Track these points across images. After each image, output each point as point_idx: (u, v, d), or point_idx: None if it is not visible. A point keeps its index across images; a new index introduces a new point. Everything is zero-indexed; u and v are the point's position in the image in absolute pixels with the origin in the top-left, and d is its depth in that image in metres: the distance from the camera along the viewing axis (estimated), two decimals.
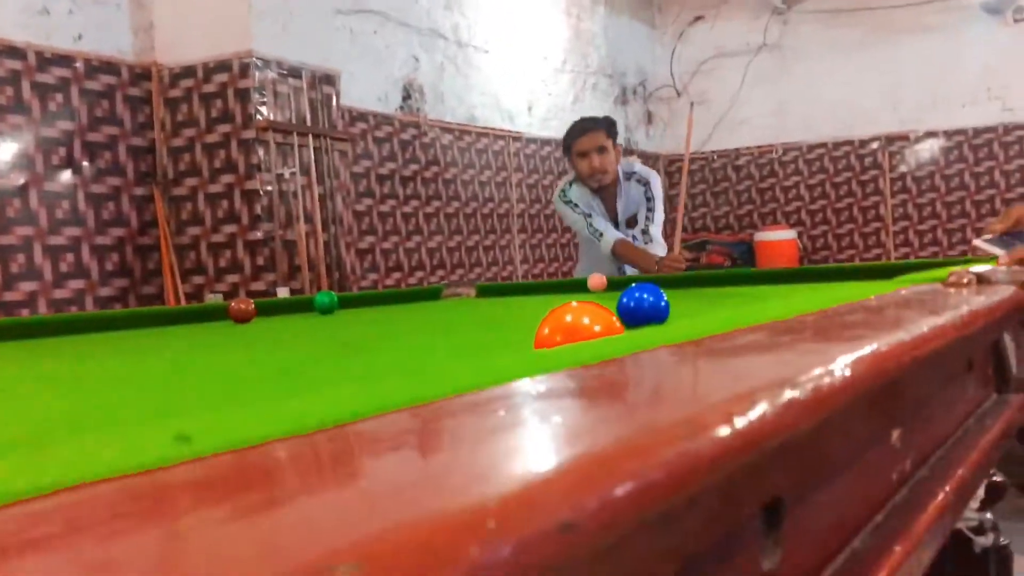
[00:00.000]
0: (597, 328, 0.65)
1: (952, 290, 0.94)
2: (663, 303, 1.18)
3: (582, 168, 3.55)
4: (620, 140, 3.73)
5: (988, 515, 0.98)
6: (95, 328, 2.21)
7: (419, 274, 5.78)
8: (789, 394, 0.37)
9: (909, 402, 0.64)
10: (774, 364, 0.47)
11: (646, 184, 3.64)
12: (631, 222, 3.67)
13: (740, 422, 0.32)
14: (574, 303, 0.67)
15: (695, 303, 1.82)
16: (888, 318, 0.60)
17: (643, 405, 0.38)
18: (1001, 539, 1.01)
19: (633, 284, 1.18)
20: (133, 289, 4.23)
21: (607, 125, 3.55)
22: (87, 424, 0.71)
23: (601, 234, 3.57)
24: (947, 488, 0.64)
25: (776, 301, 0.83)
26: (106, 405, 0.87)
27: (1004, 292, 0.91)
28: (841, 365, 0.41)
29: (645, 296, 1.17)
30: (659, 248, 3.59)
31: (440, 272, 5.95)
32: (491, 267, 6.42)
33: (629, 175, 3.65)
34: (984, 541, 0.99)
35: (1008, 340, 0.98)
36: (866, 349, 0.45)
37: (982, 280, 1.00)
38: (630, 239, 3.60)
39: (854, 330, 0.54)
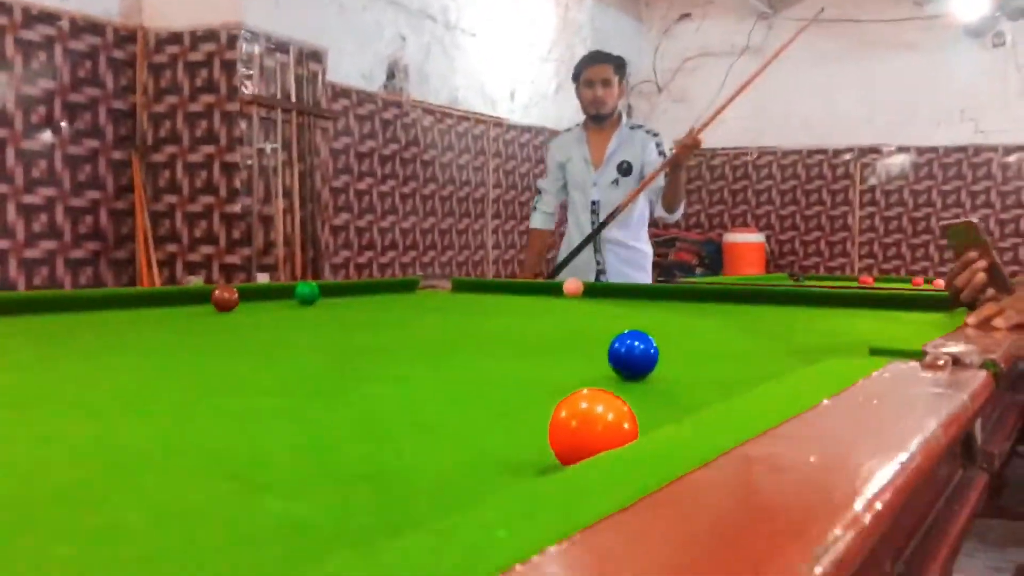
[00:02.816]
0: (626, 426, 0.69)
1: (929, 374, 1.00)
2: (652, 350, 1.23)
3: (585, 95, 3.74)
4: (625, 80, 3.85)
5: None
6: (69, 307, 2.21)
7: (391, 254, 5.79)
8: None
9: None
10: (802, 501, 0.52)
11: (656, 135, 3.77)
12: (625, 170, 3.75)
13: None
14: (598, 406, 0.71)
15: (678, 342, 1.87)
16: (890, 438, 0.65)
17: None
18: None
19: (624, 332, 1.23)
20: (105, 253, 4.20)
21: (617, 62, 3.74)
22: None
23: (535, 208, 3.95)
24: None
25: (768, 388, 0.87)
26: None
27: (979, 380, 0.97)
28: (860, 520, 0.46)
29: (636, 344, 1.22)
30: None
31: (412, 253, 5.97)
32: (463, 251, 6.45)
33: (636, 127, 3.79)
34: None
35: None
36: (878, 495, 0.50)
37: (956, 362, 1.05)
38: (615, 185, 3.74)
39: (857, 456, 0.59)
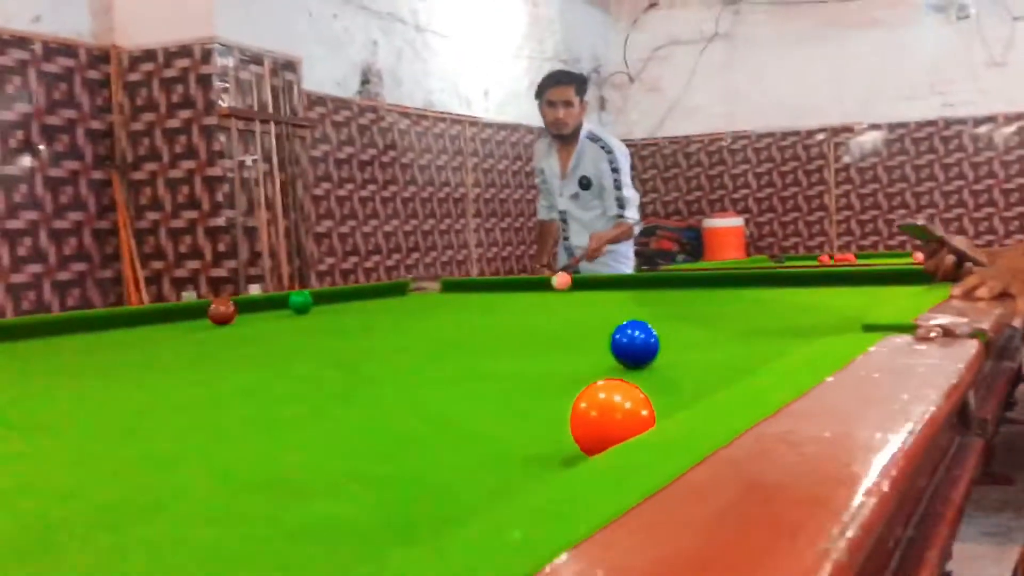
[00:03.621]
0: (644, 413, 0.73)
1: (923, 346, 1.04)
2: (653, 339, 1.26)
3: (546, 115, 3.81)
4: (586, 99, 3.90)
5: None
6: (61, 330, 2.22)
7: (375, 258, 5.81)
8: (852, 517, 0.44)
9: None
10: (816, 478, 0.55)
11: (609, 153, 3.79)
12: (585, 184, 3.83)
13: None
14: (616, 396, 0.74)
15: (672, 330, 1.90)
16: (893, 408, 0.69)
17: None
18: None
19: (624, 323, 1.27)
20: (91, 273, 4.20)
21: (579, 82, 3.82)
22: None
23: (540, 201, 4.08)
24: (934, 551, 0.73)
25: (763, 375, 0.91)
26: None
27: (971, 350, 1.01)
28: (879, 486, 0.49)
29: (636, 334, 1.25)
30: (632, 208, 3.80)
31: (396, 256, 5.98)
32: (446, 251, 6.47)
33: (594, 139, 3.82)
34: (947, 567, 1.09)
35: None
36: (893, 462, 0.54)
37: (947, 333, 1.09)
38: (576, 198, 3.85)
39: (867, 429, 0.62)
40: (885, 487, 0.50)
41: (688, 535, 0.42)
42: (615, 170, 3.77)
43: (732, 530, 0.43)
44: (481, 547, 0.41)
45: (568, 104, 3.74)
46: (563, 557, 0.38)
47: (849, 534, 0.42)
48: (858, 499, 0.47)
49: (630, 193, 3.82)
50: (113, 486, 0.77)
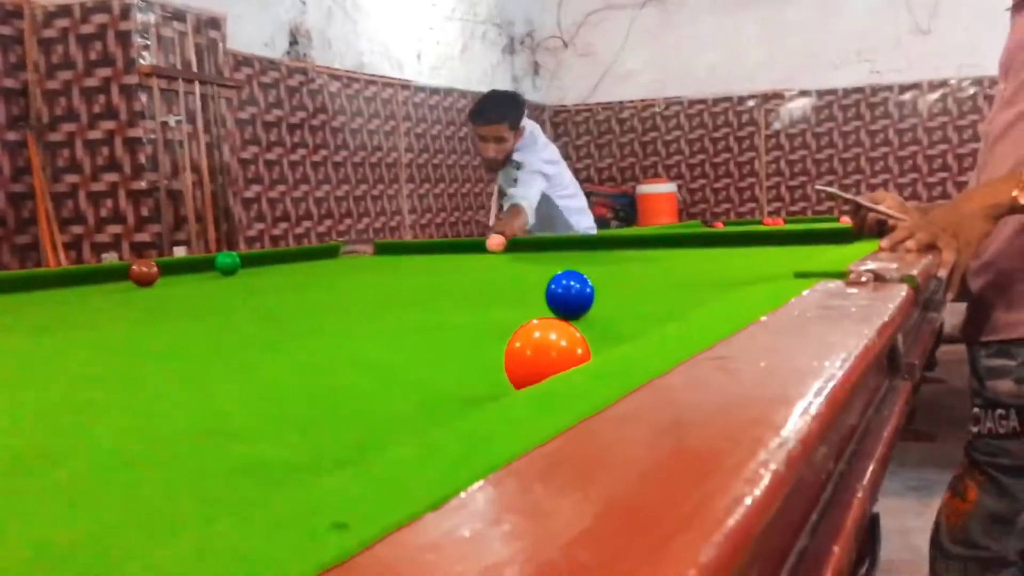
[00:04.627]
0: (579, 351, 0.71)
1: (854, 290, 1.04)
2: (588, 289, 1.25)
3: (479, 148, 3.65)
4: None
5: None
6: None
7: (306, 224, 5.71)
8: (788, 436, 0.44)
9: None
10: (753, 407, 0.55)
11: (518, 168, 3.64)
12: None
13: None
14: (551, 333, 0.72)
15: (608, 286, 1.89)
16: (828, 340, 0.69)
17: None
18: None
19: (559, 273, 1.25)
20: (7, 238, 4.04)
21: (512, 118, 3.55)
22: None
23: None
24: (864, 483, 0.73)
25: (700, 311, 0.90)
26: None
27: (901, 293, 1.02)
28: (814, 406, 0.49)
29: (572, 283, 1.24)
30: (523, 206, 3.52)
31: (328, 221, 5.89)
32: (379, 217, 6.39)
33: (517, 164, 3.62)
34: (875, 509, 1.11)
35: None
36: (827, 384, 0.53)
37: (878, 278, 1.10)
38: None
39: (802, 359, 0.62)
40: (821, 407, 0.50)
41: (619, 459, 0.41)
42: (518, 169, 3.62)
43: (667, 451, 0.42)
44: (399, 471, 0.39)
45: (500, 140, 3.54)
46: (478, 484, 0.36)
47: (789, 447, 0.41)
48: (795, 416, 0.46)
49: (518, 191, 3.55)
50: (32, 433, 0.73)
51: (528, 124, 3.69)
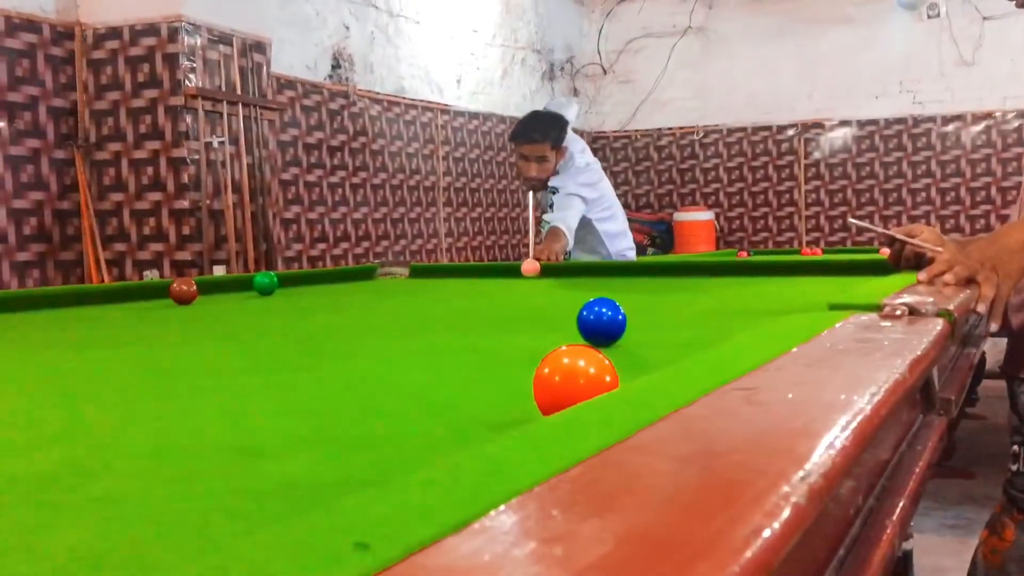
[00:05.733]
0: (607, 379, 0.71)
1: (888, 323, 1.03)
2: (620, 316, 1.25)
3: (521, 168, 3.63)
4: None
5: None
6: (18, 307, 2.17)
7: (344, 245, 5.76)
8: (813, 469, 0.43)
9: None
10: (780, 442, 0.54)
11: (554, 192, 3.65)
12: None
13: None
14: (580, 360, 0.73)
15: (641, 313, 1.89)
16: (858, 374, 0.68)
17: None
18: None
19: (591, 300, 1.25)
20: (51, 254, 4.13)
21: (554, 138, 3.55)
22: None
23: None
24: (894, 519, 0.72)
25: (728, 345, 0.90)
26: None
27: (936, 327, 1.01)
28: (840, 440, 0.48)
29: (604, 310, 1.24)
30: (562, 229, 3.52)
31: (365, 243, 5.94)
32: (416, 239, 6.44)
33: (553, 190, 3.62)
34: (907, 546, 1.09)
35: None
36: (855, 419, 0.53)
37: (913, 312, 1.09)
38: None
39: (831, 392, 0.62)
40: (847, 441, 0.49)
41: (641, 487, 0.41)
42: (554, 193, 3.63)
43: (688, 481, 0.42)
44: (423, 493, 0.40)
45: (542, 159, 3.54)
46: (500, 508, 0.37)
47: (810, 480, 0.41)
48: (820, 450, 0.46)
49: (552, 217, 3.57)
50: (70, 448, 0.75)
51: (571, 144, 3.67)
